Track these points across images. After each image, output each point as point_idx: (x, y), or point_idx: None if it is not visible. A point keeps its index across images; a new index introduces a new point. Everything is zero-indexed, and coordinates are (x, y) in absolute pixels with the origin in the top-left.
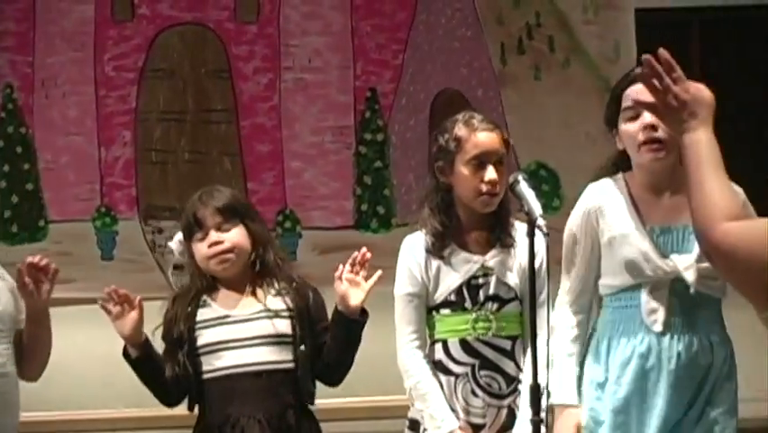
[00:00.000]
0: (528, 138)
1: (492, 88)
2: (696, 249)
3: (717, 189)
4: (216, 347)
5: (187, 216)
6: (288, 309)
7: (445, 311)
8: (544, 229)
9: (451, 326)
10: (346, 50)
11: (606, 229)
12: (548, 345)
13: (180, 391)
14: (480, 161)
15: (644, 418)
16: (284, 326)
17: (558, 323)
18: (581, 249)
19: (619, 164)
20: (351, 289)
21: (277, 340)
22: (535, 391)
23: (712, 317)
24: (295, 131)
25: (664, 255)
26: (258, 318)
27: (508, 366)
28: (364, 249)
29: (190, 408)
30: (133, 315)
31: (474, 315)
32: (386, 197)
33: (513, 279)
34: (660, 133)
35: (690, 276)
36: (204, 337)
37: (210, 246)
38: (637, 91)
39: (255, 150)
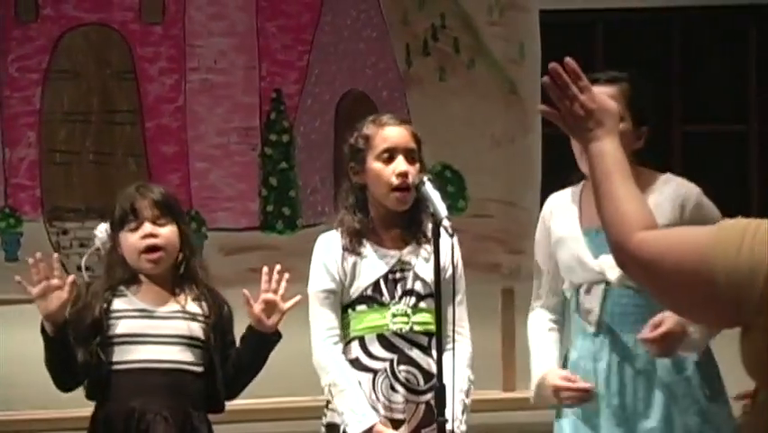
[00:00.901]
0: (433, 139)
1: (397, 90)
2: None
3: (627, 199)
4: (131, 339)
5: (123, 205)
6: (204, 316)
7: (362, 307)
8: (450, 230)
9: (368, 322)
10: (251, 51)
11: (553, 233)
12: (454, 344)
13: (84, 377)
14: (389, 155)
15: (595, 420)
16: (198, 330)
17: (531, 321)
18: (542, 254)
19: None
20: (266, 311)
21: (190, 342)
22: (441, 392)
23: (650, 318)
24: (200, 132)
25: (596, 257)
26: (175, 318)
27: (425, 362)
28: (278, 267)
29: (90, 396)
30: (61, 294)
31: (392, 309)
32: (291, 198)
33: (429, 275)
34: None
35: (613, 275)
36: (118, 328)
37: (143, 237)
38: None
39: (160, 151)
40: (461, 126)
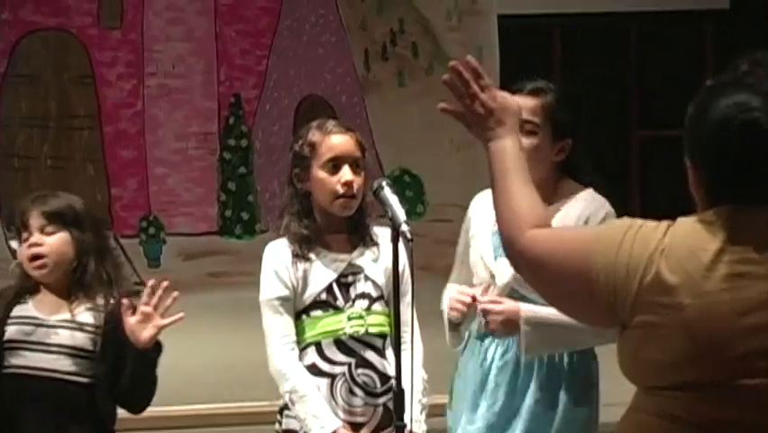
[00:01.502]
0: (392, 144)
1: (356, 94)
2: None
3: (524, 197)
4: (16, 345)
5: (16, 216)
6: (95, 326)
7: (316, 313)
8: (408, 235)
9: (324, 327)
10: (210, 56)
11: (471, 229)
12: (413, 348)
13: None
14: (335, 164)
15: (472, 417)
16: (85, 340)
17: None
18: (461, 245)
19: None
20: (142, 323)
21: (74, 352)
22: (399, 397)
23: None
24: (158, 137)
25: (496, 258)
26: (61, 327)
27: (381, 364)
28: (165, 283)
29: None
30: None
31: (348, 313)
32: (250, 203)
33: (379, 277)
34: None
35: (501, 278)
36: (8, 333)
37: (29, 247)
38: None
39: (119, 156)
40: (420, 131)
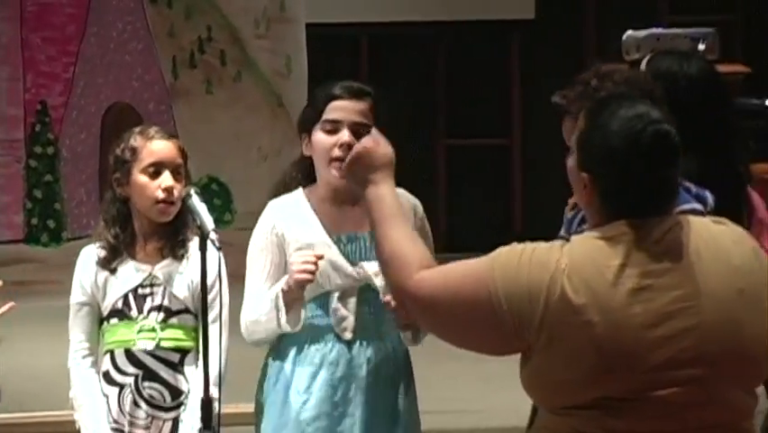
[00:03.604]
0: (200, 152)
1: (164, 102)
2: None
3: (404, 242)
4: None
5: None
6: None
7: (113, 321)
8: (217, 243)
9: (117, 336)
10: (16, 63)
11: (293, 242)
12: (221, 359)
13: None
14: (156, 169)
15: (340, 428)
16: None
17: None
18: (269, 263)
19: (298, 176)
20: None
21: None
22: (207, 406)
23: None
24: None
25: (353, 263)
26: None
27: (174, 379)
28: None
29: None
30: None
31: (139, 324)
32: (56, 210)
33: (183, 291)
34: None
35: (378, 282)
36: None
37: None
38: (340, 107)
39: None
40: (228, 139)
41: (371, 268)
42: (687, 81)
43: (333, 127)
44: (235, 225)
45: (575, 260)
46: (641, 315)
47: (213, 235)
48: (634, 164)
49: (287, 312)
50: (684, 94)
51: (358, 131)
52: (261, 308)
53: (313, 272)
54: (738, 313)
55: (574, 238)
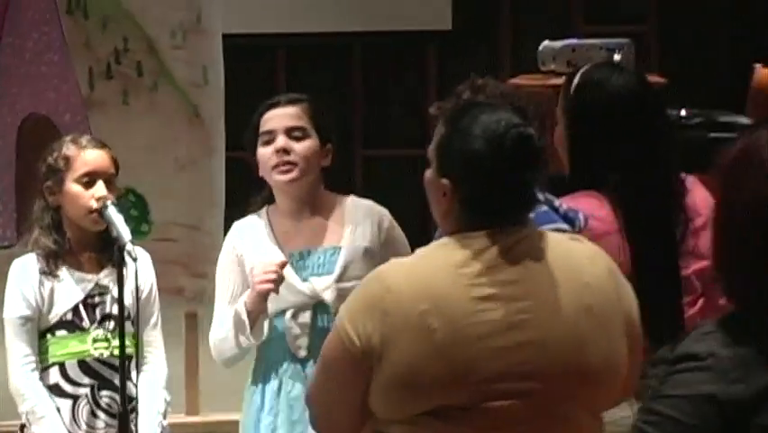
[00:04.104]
0: None
1: (80, 113)
2: (336, 269)
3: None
4: None
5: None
6: None
7: (62, 333)
8: (134, 254)
9: (69, 347)
10: None
11: (248, 263)
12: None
13: None
14: (90, 179)
15: None
16: None
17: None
18: (232, 284)
19: (264, 195)
20: None
21: None
22: (124, 417)
23: None
24: None
25: (305, 279)
26: None
27: (127, 386)
28: None
29: None
30: None
31: (93, 334)
32: None
33: (127, 299)
34: (291, 156)
35: (328, 296)
36: None
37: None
38: (272, 117)
39: None
40: (145, 150)
41: (321, 283)
42: (618, 92)
43: (270, 138)
44: (152, 236)
45: (418, 267)
46: (482, 324)
47: (129, 246)
48: (497, 167)
49: (250, 326)
50: (616, 106)
51: (292, 134)
52: (227, 325)
53: (275, 281)
54: (583, 331)
55: (419, 251)
